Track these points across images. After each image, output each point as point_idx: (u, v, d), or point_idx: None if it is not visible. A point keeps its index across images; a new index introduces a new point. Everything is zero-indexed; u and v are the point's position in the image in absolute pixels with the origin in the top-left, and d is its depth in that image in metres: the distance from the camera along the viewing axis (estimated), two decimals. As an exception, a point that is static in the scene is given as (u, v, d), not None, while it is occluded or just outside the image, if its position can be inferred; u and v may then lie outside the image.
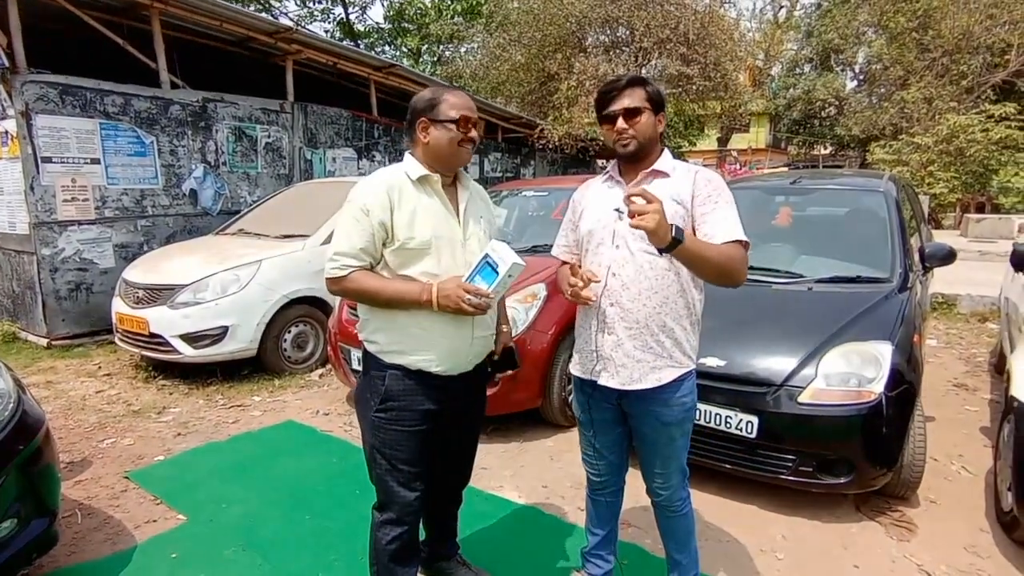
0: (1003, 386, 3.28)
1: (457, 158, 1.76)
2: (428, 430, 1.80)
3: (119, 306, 4.64)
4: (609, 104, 1.73)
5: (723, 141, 25.29)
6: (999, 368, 4.49)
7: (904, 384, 2.55)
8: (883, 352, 2.57)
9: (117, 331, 4.72)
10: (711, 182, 1.72)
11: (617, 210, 1.77)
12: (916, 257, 3.30)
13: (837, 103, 20.03)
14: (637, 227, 1.46)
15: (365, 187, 1.72)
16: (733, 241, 1.65)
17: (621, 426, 1.91)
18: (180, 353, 4.31)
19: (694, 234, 1.69)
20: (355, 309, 3.89)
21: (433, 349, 1.73)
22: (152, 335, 4.35)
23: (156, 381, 4.53)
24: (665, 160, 1.78)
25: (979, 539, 2.53)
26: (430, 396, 1.77)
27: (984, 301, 6.22)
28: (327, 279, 1.73)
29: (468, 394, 1.91)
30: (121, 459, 3.28)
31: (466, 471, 2.14)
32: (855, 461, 2.50)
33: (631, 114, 1.70)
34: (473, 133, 1.74)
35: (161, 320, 4.32)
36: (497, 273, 1.62)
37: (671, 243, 1.49)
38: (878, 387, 2.49)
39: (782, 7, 24.96)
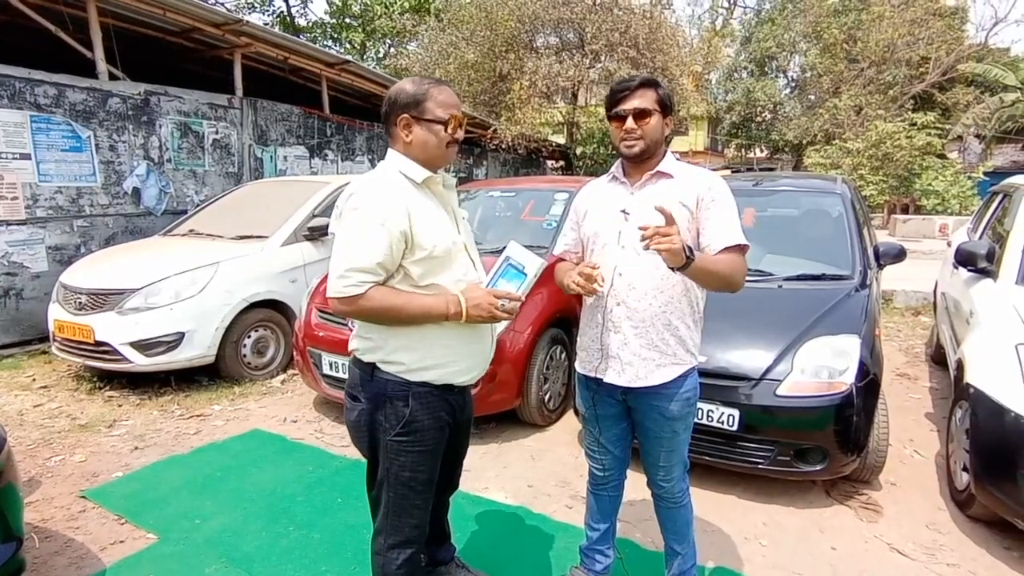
0: (950, 375, 3.54)
1: (443, 159, 1.65)
2: (445, 443, 1.73)
3: (58, 313, 4.31)
4: (620, 103, 1.75)
5: (664, 143, 26.05)
6: (935, 359, 4.84)
7: (870, 375, 2.70)
8: (852, 345, 2.71)
9: (55, 340, 4.38)
10: (716, 185, 1.76)
11: (623, 211, 1.79)
12: (871, 255, 3.50)
13: (772, 108, 21.05)
14: (656, 249, 1.48)
15: (376, 193, 1.54)
16: (734, 246, 1.69)
17: (625, 421, 1.94)
18: (130, 362, 4.04)
19: (698, 236, 1.74)
20: (325, 313, 3.79)
21: (464, 359, 1.67)
22: (98, 343, 4.06)
23: (102, 392, 4.23)
24: (669, 162, 1.82)
25: (938, 517, 2.72)
26: (448, 409, 1.70)
27: (916, 296, 6.69)
28: (337, 299, 1.53)
29: (468, 400, 1.88)
30: (74, 477, 3.04)
31: (456, 479, 2.08)
32: (828, 449, 2.63)
33: (641, 115, 1.72)
34: (460, 134, 1.63)
35: (109, 327, 4.03)
36: (524, 275, 1.60)
37: (685, 263, 1.52)
38: (848, 378, 2.63)
39: (719, 15, 26.01)
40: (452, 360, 1.65)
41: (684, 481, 1.96)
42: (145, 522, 2.60)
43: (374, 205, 1.52)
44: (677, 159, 1.87)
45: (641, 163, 1.80)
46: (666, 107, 1.76)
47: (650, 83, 1.75)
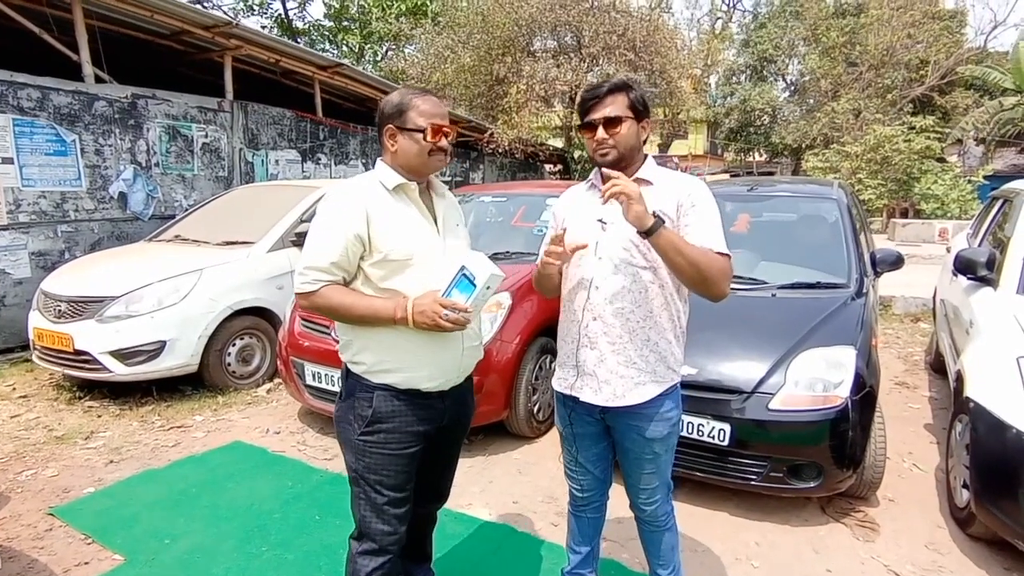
0: (950, 385, 3.44)
1: (427, 168, 1.66)
2: (416, 451, 1.69)
3: (37, 320, 4.22)
4: (589, 112, 1.66)
5: (664, 147, 26.04)
6: (935, 367, 4.74)
7: (866, 387, 2.60)
8: (847, 357, 2.62)
9: (35, 348, 4.28)
10: (696, 192, 1.67)
11: (600, 220, 1.70)
12: (868, 262, 3.41)
13: (771, 112, 21.01)
14: (615, 195, 1.48)
15: (338, 197, 1.61)
16: (719, 253, 1.60)
17: (604, 440, 1.85)
18: (110, 371, 3.94)
19: None
20: (308, 322, 3.70)
21: (424, 365, 1.64)
22: (77, 352, 3.96)
23: (82, 402, 4.14)
24: (648, 168, 1.73)
25: (937, 536, 2.62)
26: (420, 415, 1.67)
27: (916, 302, 6.59)
28: (296, 293, 1.63)
29: (457, 406, 1.80)
30: (44, 493, 2.94)
31: (448, 490, 2.03)
32: (824, 465, 2.53)
33: (611, 123, 1.63)
34: (444, 142, 1.63)
35: (88, 335, 3.94)
36: (475, 286, 1.51)
37: (652, 224, 1.48)
38: (844, 391, 2.53)
39: (718, 18, 26.00)
40: (412, 365, 1.63)
41: (668, 503, 1.86)
42: (112, 542, 2.50)
43: (333, 208, 1.60)
44: (658, 164, 1.78)
45: (619, 170, 1.70)
46: (640, 111, 1.66)
47: (620, 87, 1.66)
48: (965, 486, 2.57)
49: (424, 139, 1.60)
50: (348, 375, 1.71)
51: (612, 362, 1.67)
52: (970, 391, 2.56)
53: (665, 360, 1.70)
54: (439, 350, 1.64)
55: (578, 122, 1.73)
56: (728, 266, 1.61)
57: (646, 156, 1.76)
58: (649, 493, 1.82)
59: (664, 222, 1.51)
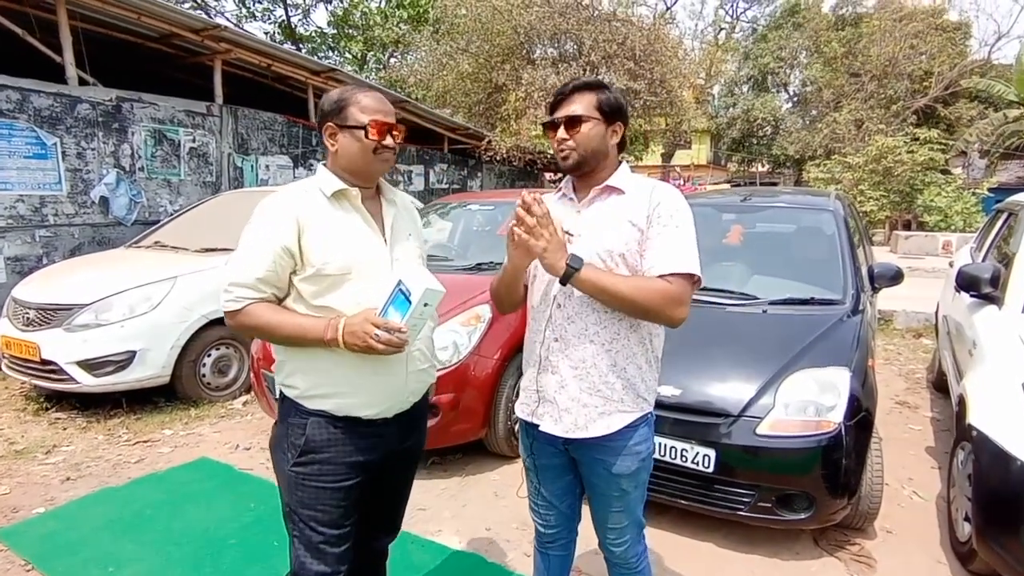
0: (951, 409, 3.26)
1: (371, 168, 1.51)
2: (356, 483, 1.53)
3: (6, 328, 4.08)
4: (553, 110, 1.52)
5: (667, 157, 25.91)
6: (937, 385, 4.56)
7: (862, 411, 2.44)
8: (841, 379, 2.46)
9: (4, 357, 4.15)
10: (668, 202, 1.50)
11: (567, 232, 1.54)
12: (865, 277, 3.25)
13: (774, 123, 20.91)
14: (518, 243, 1.39)
15: (267, 206, 1.46)
16: (674, 274, 1.42)
17: (570, 473, 1.68)
18: (77, 382, 3.80)
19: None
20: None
21: (363, 391, 1.48)
22: (44, 361, 3.82)
23: (48, 414, 3.99)
24: (620, 176, 1.57)
25: (938, 572, 2.44)
26: (359, 445, 1.51)
27: (918, 317, 6.41)
28: (224, 312, 1.48)
29: (405, 435, 1.63)
30: (-8, 512, 2.80)
31: (398, 522, 1.85)
32: (815, 495, 2.36)
33: (572, 123, 1.48)
34: (389, 140, 1.48)
35: (55, 345, 3.80)
36: (410, 302, 1.35)
37: (565, 271, 1.38)
38: (837, 416, 2.37)
39: (722, 29, 25.97)
40: (348, 391, 1.47)
41: (639, 544, 1.70)
42: (52, 569, 2.34)
43: (262, 219, 1.45)
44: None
45: (587, 177, 1.56)
46: (610, 112, 1.51)
47: (589, 86, 1.51)
48: (967, 519, 2.40)
49: (366, 137, 1.45)
50: (283, 399, 1.55)
51: (574, 389, 1.51)
52: (973, 418, 2.39)
53: (634, 388, 1.53)
54: (379, 374, 1.48)
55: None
56: (679, 290, 1.43)
57: (620, 162, 1.61)
58: (618, 533, 1.65)
59: (580, 265, 1.39)
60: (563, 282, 1.41)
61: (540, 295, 1.58)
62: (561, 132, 1.49)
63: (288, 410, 1.53)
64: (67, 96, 5.32)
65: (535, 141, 12.92)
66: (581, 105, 1.48)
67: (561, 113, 1.49)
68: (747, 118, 21.20)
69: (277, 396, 1.60)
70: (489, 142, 11.46)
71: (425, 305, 1.35)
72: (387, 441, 1.57)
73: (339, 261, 1.43)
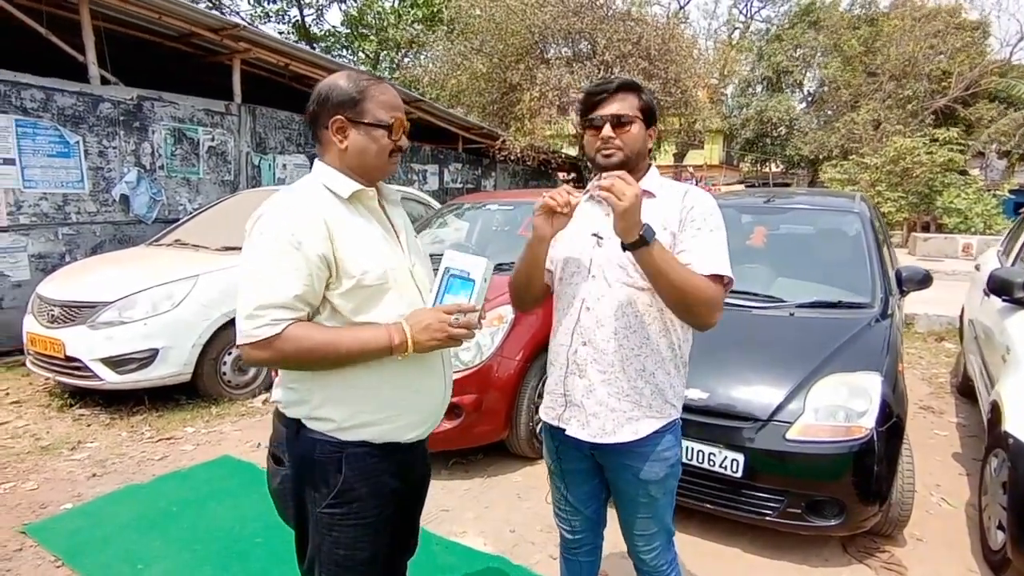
0: (981, 413, 3.21)
1: (385, 171, 1.39)
2: (393, 512, 1.41)
3: (31, 325, 4.13)
4: (596, 108, 1.49)
5: (679, 157, 25.76)
6: (962, 390, 4.49)
7: (893, 417, 2.40)
8: (872, 383, 2.42)
9: (29, 353, 4.20)
10: (701, 205, 1.49)
11: (596, 235, 1.53)
12: (893, 280, 3.20)
13: (788, 123, 20.73)
14: (604, 196, 1.28)
15: (285, 213, 1.25)
16: (711, 275, 1.41)
17: (597, 477, 1.66)
18: (101, 379, 3.83)
19: None
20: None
21: (408, 411, 1.37)
22: (68, 358, 3.86)
23: (72, 410, 4.03)
24: (652, 178, 1.56)
25: (970, 581, 2.40)
26: (395, 472, 1.38)
27: (940, 321, 6.32)
28: (249, 344, 1.23)
29: (425, 456, 1.57)
30: (20, 508, 2.82)
31: (416, 540, 1.72)
32: (846, 501, 2.33)
33: (620, 123, 1.47)
34: (404, 141, 1.38)
35: (79, 342, 3.83)
36: (472, 281, 1.32)
37: (638, 240, 1.29)
38: (868, 421, 2.33)
39: (736, 28, 25.78)
40: (395, 414, 1.35)
41: (669, 552, 1.67)
42: (82, 565, 2.36)
43: (286, 226, 1.23)
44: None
45: (621, 177, 1.54)
46: (649, 115, 1.50)
47: (631, 86, 1.49)
48: (1000, 527, 2.36)
49: (389, 135, 1.33)
50: (299, 436, 1.33)
51: (602, 393, 1.50)
52: (1009, 426, 2.34)
53: (662, 393, 1.51)
54: (422, 392, 1.40)
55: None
56: (720, 296, 1.42)
57: (650, 165, 1.59)
58: (647, 540, 1.63)
59: (654, 235, 1.32)
60: (627, 248, 1.32)
61: (567, 298, 1.56)
62: (607, 131, 1.46)
63: (308, 448, 1.32)
64: (89, 95, 5.38)
65: (549, 141, 12.89)
66: (626, 105, 1.47)
67: (606, 111, 1.47)
68: (761, 118, 21.02)
69: (285, 438, 1.37)
70: (503, 141, 11.44)
71: (485, 281, 1.33)
72: (418, 461, 1.50)
73: (377, 269, 1.30)
